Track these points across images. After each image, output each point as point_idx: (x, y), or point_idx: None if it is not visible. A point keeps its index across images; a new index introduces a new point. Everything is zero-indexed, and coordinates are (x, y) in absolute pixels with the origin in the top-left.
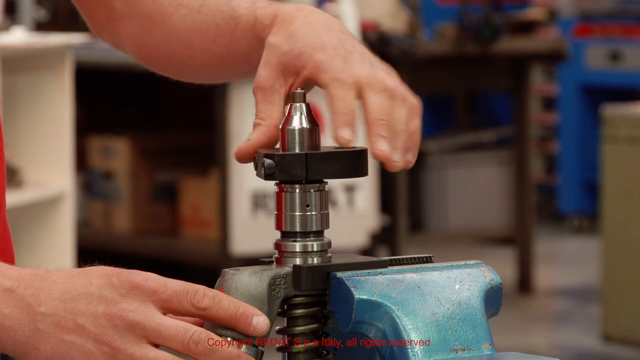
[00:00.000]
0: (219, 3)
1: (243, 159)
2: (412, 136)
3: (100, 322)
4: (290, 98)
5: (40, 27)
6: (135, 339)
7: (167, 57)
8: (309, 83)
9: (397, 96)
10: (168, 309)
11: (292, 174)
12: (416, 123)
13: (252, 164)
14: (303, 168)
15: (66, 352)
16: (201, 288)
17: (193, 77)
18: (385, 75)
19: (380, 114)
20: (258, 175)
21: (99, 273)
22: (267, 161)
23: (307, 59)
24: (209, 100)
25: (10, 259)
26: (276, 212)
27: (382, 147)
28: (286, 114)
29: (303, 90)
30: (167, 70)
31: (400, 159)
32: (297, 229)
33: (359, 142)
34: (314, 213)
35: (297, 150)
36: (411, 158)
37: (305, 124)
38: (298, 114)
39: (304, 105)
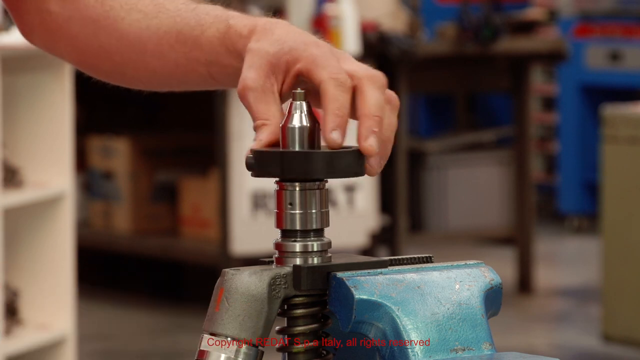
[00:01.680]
0: (180, 10)
1: None
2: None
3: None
4: (289, 97)
5: None
6: None
7: (114, 61)
8: (300, 80)
9: (392, 101)
10: None
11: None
12: (395, 126)
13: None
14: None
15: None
16: None
17: (140, 83)
18: (382, 75)
19: (376, 110)
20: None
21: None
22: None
23: (300, 53)
24: (209, 100)
25: None
26: (276, 210)
27: (373, 142)
28: (286, 113)
29: (303, 90)
30: (112, 75)
31: (380, 166)
32: (297, 227)
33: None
34: (314, 211)
35: (297, 149)
36: (383, 164)
37: (305, 122)
38: (298, 112)
39: (304, 103)
